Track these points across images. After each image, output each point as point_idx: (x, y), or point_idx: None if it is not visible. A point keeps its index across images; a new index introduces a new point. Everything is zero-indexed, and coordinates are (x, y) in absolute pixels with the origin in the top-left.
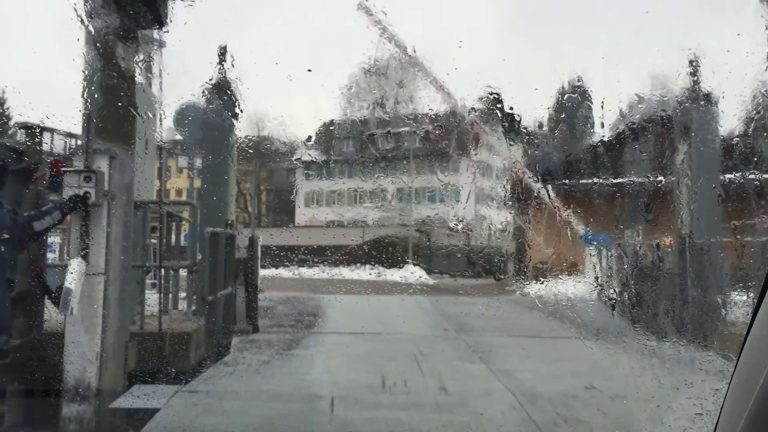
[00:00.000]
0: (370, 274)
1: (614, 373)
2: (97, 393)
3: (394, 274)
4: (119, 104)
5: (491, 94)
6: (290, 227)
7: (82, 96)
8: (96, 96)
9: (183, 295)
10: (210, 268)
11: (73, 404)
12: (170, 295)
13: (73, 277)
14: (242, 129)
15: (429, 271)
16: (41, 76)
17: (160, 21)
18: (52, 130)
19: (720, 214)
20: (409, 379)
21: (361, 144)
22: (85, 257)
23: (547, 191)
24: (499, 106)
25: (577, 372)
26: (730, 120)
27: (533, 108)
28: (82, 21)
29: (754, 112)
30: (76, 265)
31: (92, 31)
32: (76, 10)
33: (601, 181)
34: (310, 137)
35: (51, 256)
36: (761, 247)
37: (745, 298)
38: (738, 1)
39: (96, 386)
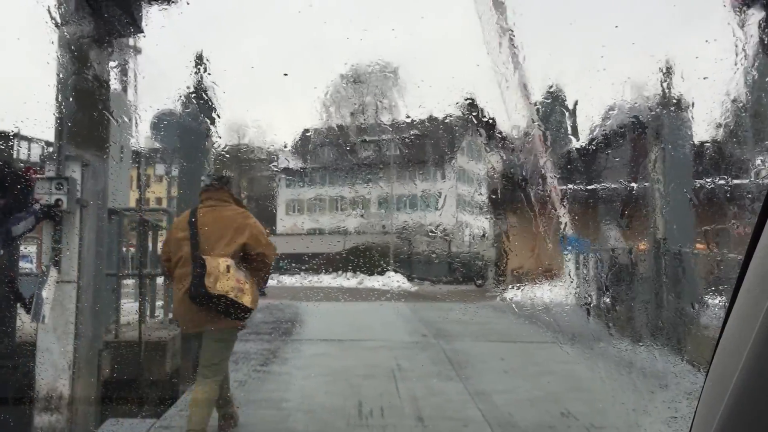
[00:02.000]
0: (351, 281)
1: (591, 376)
2: (70, 402)
3: (375, 281)
4: (93, 110)
5: (467, 99)
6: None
7: (55, 101)
8: (69, 101)
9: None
10: None
11: (45, 414)
12: (146, 304)
13: (45, 286)
14: (221, 135)
15: (410, 278)
16: (12, 80)
17: (135, 25)
18: (24, 137)
19: (696, 219)
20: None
21: (341, 151)
22: (57, 265)
23: (526, 197)
24: (474, 113)
25: (554, 376)
26: (701, 125)
27: (509, 113)
28: (55, 24)
29: (723, 117)
30: (48, 274)
31: (66, 34)
32: (50, 12)
33: (578, 186)
34: (285, 144)
35: (28, 266)
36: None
37: (717, 301)
38: (707, 9)
39: (69, 395)
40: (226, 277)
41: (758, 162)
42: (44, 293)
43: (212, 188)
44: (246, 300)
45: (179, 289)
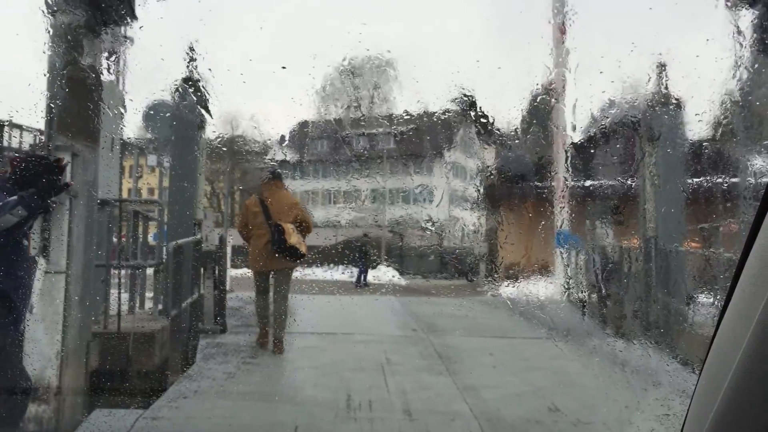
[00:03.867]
0: (343, 274)
1: (580, 372)
2: (57, 392)
3: (367, 275)
4: (84, 99)
5: (464, 93)
6: None
7: (45, 90)
8: (59, 90)
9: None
10: (174, 283)
11: (32, 404)
12: (137, 295)
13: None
14: (214, 127)
15: (402, 272)
16: (2, 67)
17: (130, 14)
18: (16, 125)
19: (692, 218)
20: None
21: (336, 144)
22: (45, 255)
23: (519, 193)
24: (470, 107)
25: (543, 371)
26: (696, 123)
27: (506, 110)
28: (47, 11)
29: (719, 115)
30: (36, 263)
31: (58, 22)
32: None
33: (572, 183)
34: (283, 137)
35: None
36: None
37: (712, 300)
38: (707, 9)
39: (56, 385)
40: (293, 235)
41: (755, 162)
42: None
43: (272, 179)
44: (302, 249)
45: (258, 243)
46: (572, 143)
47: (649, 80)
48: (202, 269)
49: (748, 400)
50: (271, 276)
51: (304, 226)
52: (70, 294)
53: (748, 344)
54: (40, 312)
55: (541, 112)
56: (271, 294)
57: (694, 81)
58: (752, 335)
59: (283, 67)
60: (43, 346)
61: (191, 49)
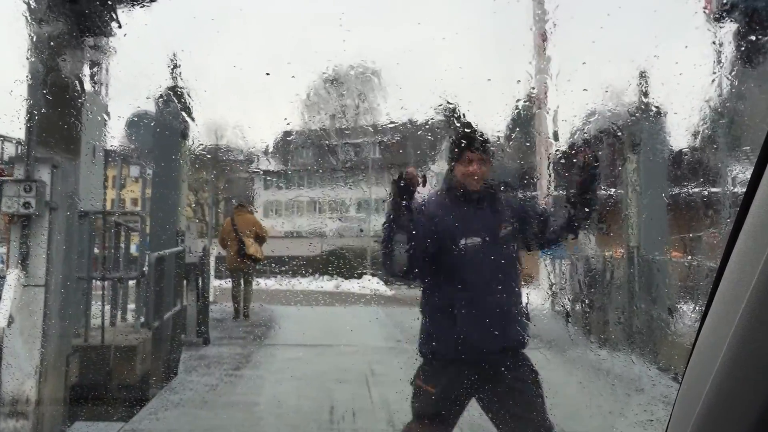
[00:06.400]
0: (328, 284)
1: (566, 382)
2: (36, 406)
3: (352, 285)
4: (64, 110)
5: (448, 102)
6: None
7: (25, 100)
8: (39, 101)
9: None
10: (156, 294)
11: (10, 418)
12: (118, 307)
13: (10, 289)
14: (197, 136)
15: (387, 282)
16: None
17: (112, 24)
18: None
19: (674, 226)
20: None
21: (321, 153)
22: (24, 268)
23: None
24: (454, 116)
25: None
26: (677, 132)
27: (488, 118)
28: (30, 18)
29: (700, 124)
30: (14, 276)
31: (38, 31)
32: (28, 6)
33: (556, 192)
34: (265, 145)
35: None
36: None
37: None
38: (686, 16)
39: (35, 400)
40: (251, 247)
41: (734, 169)
42: (9, 296)
43: (240, 205)
44: (258, 256)
45: (231, 252)
46: (556, 151)
47: (629, 87)
48: (184, 280)
49: (729, 404)
50: (240, 272)
51: (260, 239)
52: (49, 306)
53: (728, 349)
54: (19, 325)
55: (523, 119)
56: (242, 284)
57: (674, 88)
58: (732, 339)
59: (267, 74)
60: (23, 359)
61: (175, 57)
